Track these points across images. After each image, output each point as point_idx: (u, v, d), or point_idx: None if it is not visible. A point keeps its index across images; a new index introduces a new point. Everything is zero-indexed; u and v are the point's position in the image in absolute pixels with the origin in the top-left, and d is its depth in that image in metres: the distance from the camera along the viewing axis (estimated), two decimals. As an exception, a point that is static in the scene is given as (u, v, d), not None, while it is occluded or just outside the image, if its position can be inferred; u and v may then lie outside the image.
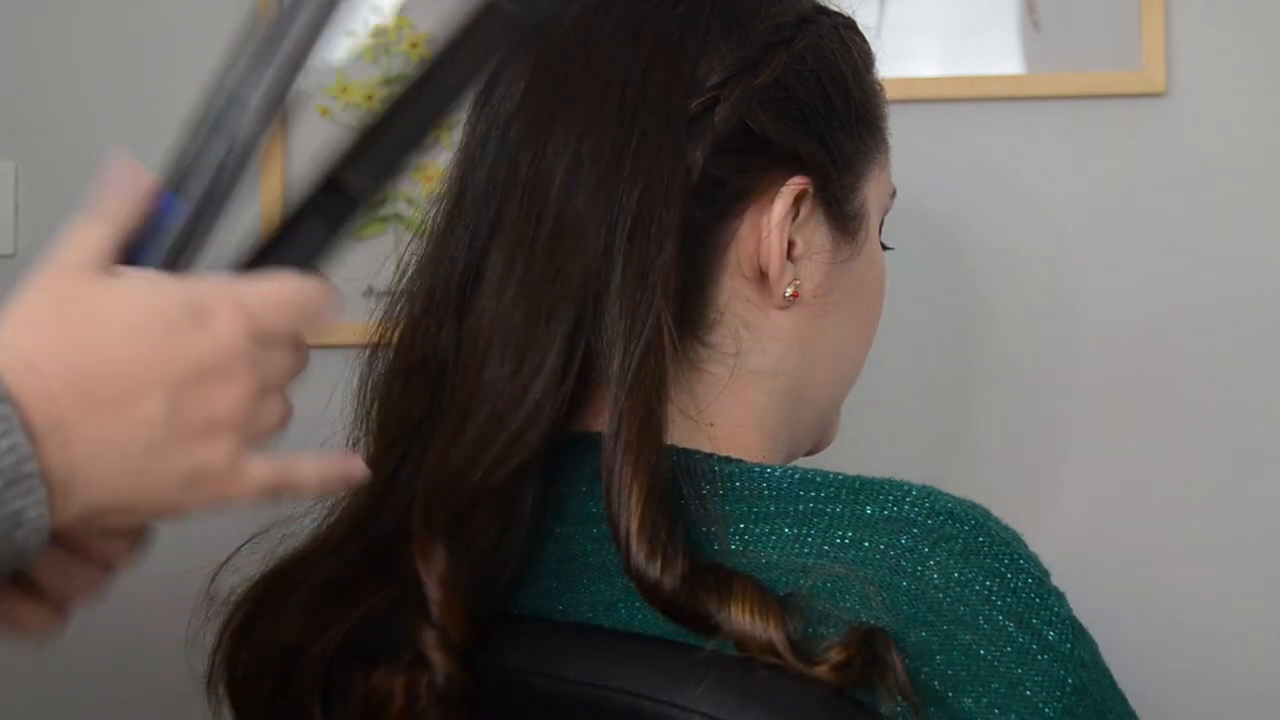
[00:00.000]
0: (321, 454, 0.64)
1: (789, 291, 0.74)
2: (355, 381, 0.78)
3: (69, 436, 0.55)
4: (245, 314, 0.60)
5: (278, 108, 0.71)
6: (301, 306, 0.62)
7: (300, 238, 0.71)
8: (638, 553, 0.65)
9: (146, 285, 0.59)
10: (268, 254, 0.70)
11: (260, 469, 0.60)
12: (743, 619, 0.63)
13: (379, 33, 1.29)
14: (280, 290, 0.62)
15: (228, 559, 0.79)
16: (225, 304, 0.59)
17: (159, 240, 0.69)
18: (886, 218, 0.82)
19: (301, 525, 0.78)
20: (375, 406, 0.77)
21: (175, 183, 0.71)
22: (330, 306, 0.65)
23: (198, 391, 0.58)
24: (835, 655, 0.62)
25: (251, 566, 0.78)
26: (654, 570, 0.64)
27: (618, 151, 0.70)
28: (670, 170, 0.70)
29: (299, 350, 0.62)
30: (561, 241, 0.69)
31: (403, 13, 1.29)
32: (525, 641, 0.69)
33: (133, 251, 0.64)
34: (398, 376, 0.75)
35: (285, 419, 0.62)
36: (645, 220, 0.69)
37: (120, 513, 0.58)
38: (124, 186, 0.63)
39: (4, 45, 1.38)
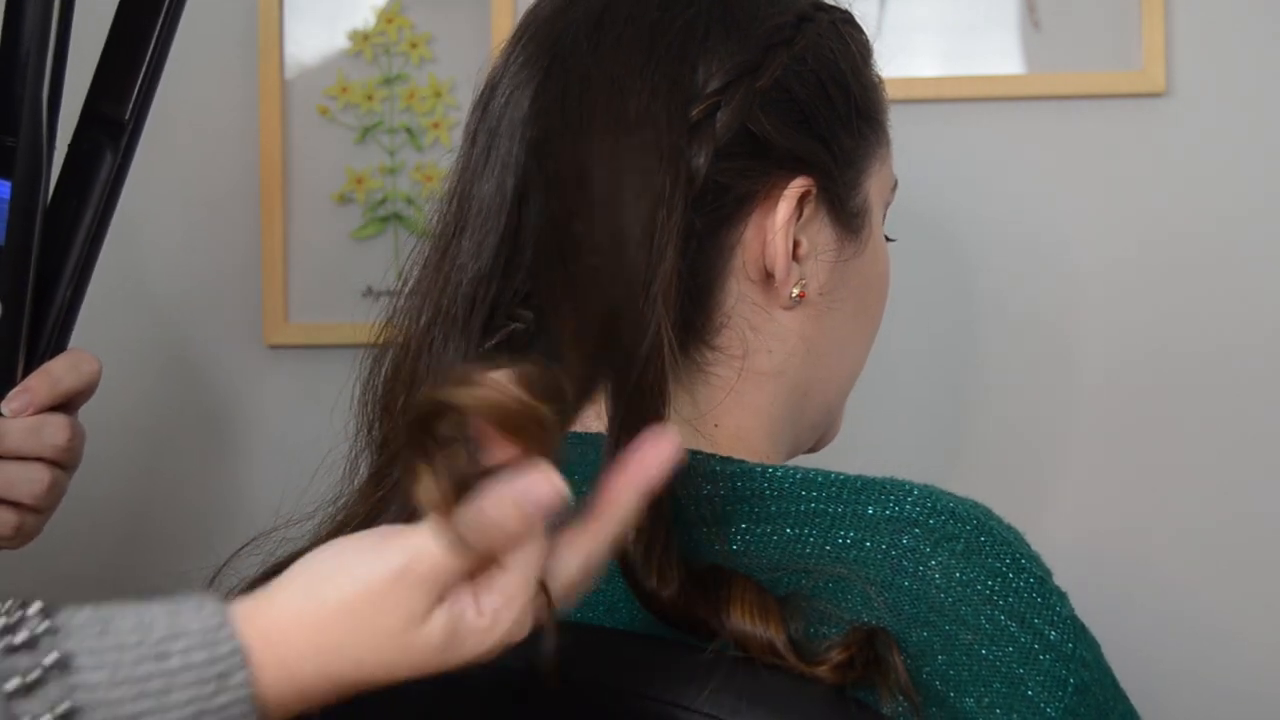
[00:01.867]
0: None
1: (795, 292, 0.74)
2: (357, 390, 0.78)
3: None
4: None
5: (59, 87, 0.88)
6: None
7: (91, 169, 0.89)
8: (634, 560, 0.64)
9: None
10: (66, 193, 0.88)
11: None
12: (742, 620, 0.63)
13: (379, 33, 1.29)
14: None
15: (227, 561, 0.79)
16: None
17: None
18: (889, 210, 0.82)
19: (302, 529, 0.78)
20: (379, 417, 0.76)
21: None
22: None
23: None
24: (836, 655, 0.62)
25: (250, 568, 0.78)
26: (650, 579, 0.64)
27: (636, 160, 0.70)
28: (672, 178, 0.69)
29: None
30: (606, 252, 0.69)
31: (403, 13, 1.29)
32: (525, 642, 0.68)
33: None
34: (403, 388, 0.75)
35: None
36: (649, 230, 0.69)
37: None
38: None
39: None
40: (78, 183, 0.90)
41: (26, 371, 0.89)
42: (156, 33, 0.91)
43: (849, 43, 0.78)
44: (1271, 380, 1.22)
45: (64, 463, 0.90)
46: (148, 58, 0.91)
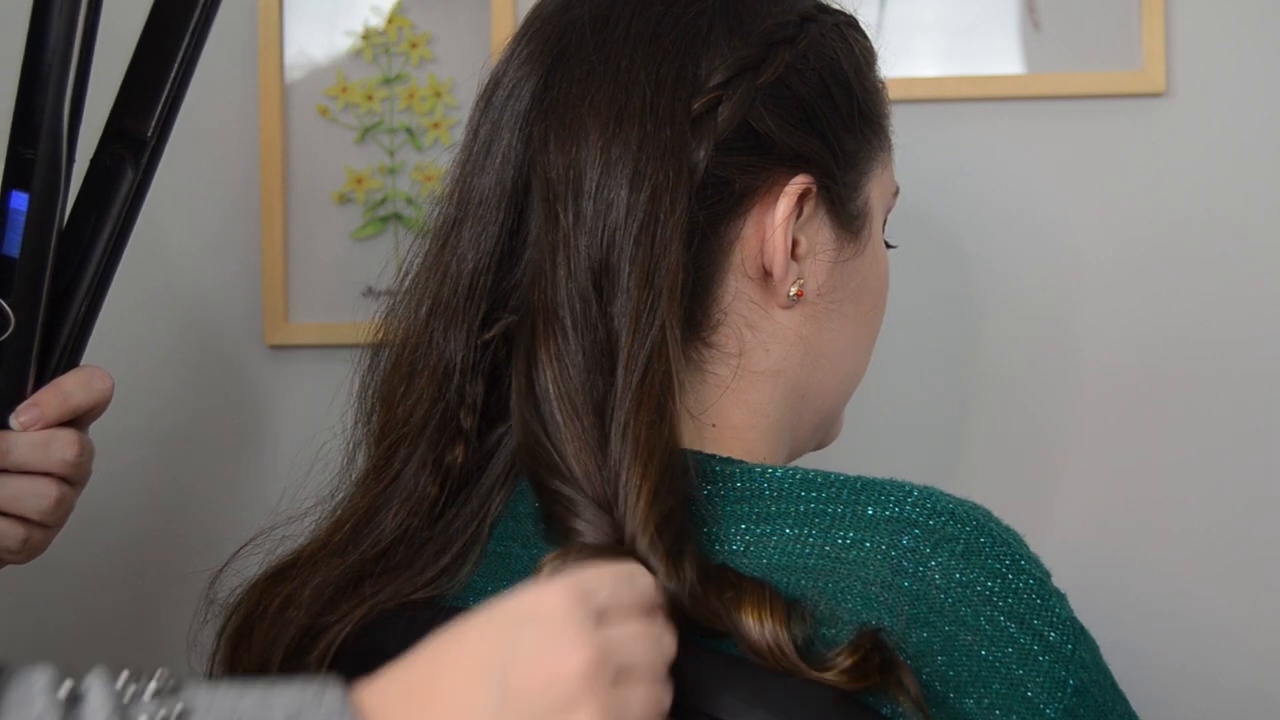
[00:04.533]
0: None
1: (793, 291, 0.74)
2: (355, 384, 0.78)
3: None
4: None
5: (80, 102, 0.88)
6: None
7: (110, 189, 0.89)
8: (644, 556, 0.64)
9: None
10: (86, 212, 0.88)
11: None
12: (751, 622, 0.63)
13: (379, 33, 1.29)
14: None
15: (227, 561, 0.79)
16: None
17: (15, 230, 0.85)
18: (889, 216, 0.82)
19: (301, 526, 0.78)
20: (376, 409, 0.76)
21: (13, 179, 0.85)
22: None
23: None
24: (843, 660, 0.62)
25: (251, 568, 0.78)
26: (661, 574, 0.64)
27: (636, 154, 0.70)
28: (675, 171, 0.70)
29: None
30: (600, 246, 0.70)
31: (402, 13, 1.29)
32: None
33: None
34: (402, 380, 0.75)
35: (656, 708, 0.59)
36: (651, 222, 0.69)
37: None
38: None
39: (4, 46, 1.38)
40: (98, 197, 0.90)
41: (38, 385, 0.88)
42: (182, 51, 0.91)
43: (852, 45, 0.78)
44: (1273, 377, 1.22)
45: (72, 478, 0.90)
46: (173, 75, 0.91)
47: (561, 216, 0.70)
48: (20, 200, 0.86)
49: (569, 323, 0.69)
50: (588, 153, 0.70)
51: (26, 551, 0.90)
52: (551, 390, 0.68)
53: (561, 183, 0.71)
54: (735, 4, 0.75)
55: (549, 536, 0.69)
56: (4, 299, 0.86)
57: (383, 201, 1.29)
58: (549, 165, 0.71)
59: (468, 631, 0.58)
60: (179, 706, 0.53)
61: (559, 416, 0.68)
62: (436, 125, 1.28)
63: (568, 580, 0.58)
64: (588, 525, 0.67)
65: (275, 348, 1.30)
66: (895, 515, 0.67)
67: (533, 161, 0.72)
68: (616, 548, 0.65)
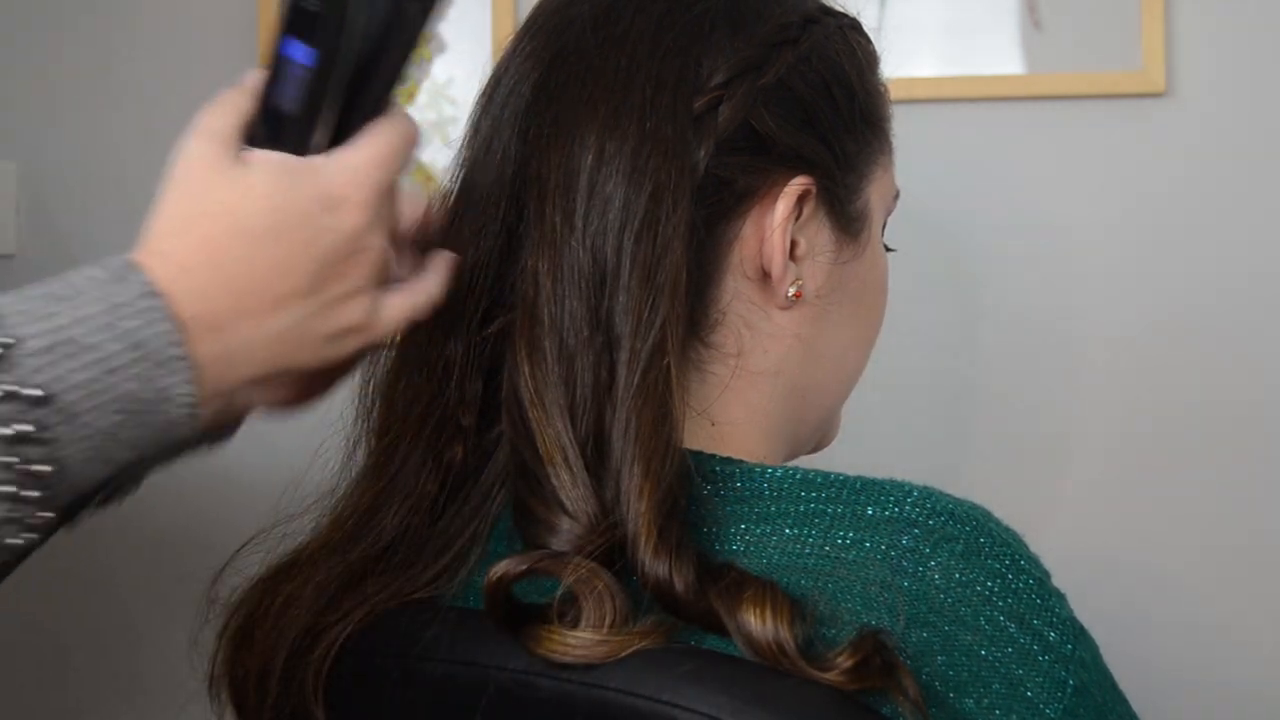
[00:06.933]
0: (429, 270, 0.70)
1: (791, 292, 0.74)
2: (357, 380, 0.78)
3: (222, 326, 0.61)
4: (368, 186, 0.64)
5: None
6: (405, 151, 0.67)
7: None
8: (646, 553, 0.64)
9: (278, 181, 0.63)
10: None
11: (395, 309, 0.67)
12: (754, 620, 0.63)
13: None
14: (386, 144, 0.66)
15: (229, 561, 0.79)
16: (351, 186, 0.64)
17: (290, 87, 0.66)
18: (889, 219, 0.82)
19: (301, 524, 0.78)
20: (376, 406, 0.77)
21: (298, 29, 0.66)
22: (418, 136, 0.70)
23: (337, 273, 0.63)
24: (844, 660, 0.62)
25: (252, 567, 0.78)
26: (664, 571, 0.64)
27: (634, 152, 0.70)
28: (677, 170, 0.70)
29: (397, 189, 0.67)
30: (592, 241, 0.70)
31: (403, 12, 1.29)
32: (521, 643, 0.68)
33: (269, 100, 0.65)
34: (402, 375, 0.75)
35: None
36: (652, 220, 0.69)
37: (275, 378, 0.65)
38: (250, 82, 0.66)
39: (4, 45, 1.38)
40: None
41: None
42: None
43: (855, 48, 0.78)
44: (1273, 379, 1.22)
45: None
46: None
47: (550, 214, 0.70)
48: (298, 51, 0.67)
49: (547, 322, 0.69)
50: (582, 151, 0.70)
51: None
52: (524, 392, 0.68)
53: (552, 181, 0.71)
54: (738, 4, 0.75)
55: (524, 536, 0.69)
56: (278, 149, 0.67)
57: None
58: (542, 163, 0.71)
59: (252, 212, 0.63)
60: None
61: (530, 416, 0.68)
62: (436, 125, 1.29)
63: (376, 168, 0.66)
64: (549, 533, 0.67)
65: (275, 347, 1.30)
66: (895, 515, 0.67)
67: (528, 158, 0.72)
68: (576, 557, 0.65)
